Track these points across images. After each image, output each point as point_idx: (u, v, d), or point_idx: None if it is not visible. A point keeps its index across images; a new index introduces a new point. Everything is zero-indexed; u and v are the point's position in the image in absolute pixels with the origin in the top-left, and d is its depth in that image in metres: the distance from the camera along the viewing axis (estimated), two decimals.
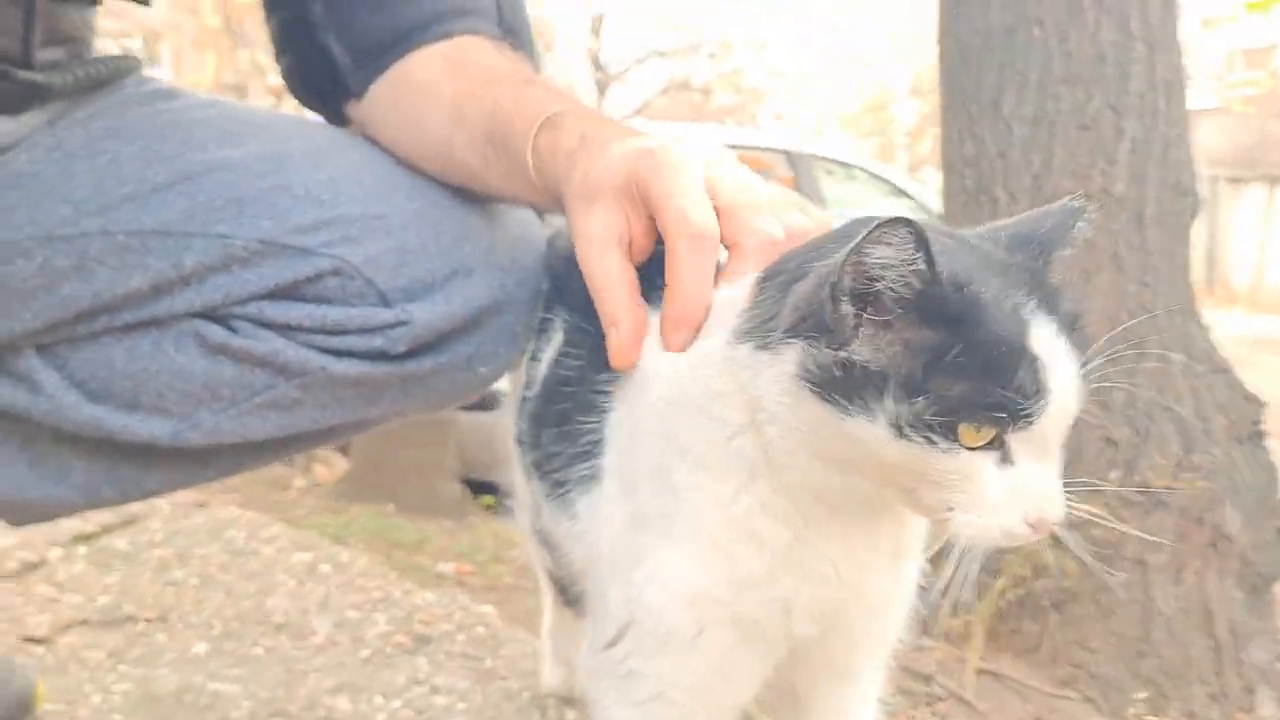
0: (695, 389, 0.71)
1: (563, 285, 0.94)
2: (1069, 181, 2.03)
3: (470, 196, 0.97)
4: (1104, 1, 2.05)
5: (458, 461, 3.24)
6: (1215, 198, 13.40)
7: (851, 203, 6.31)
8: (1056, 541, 0.74)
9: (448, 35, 0.97)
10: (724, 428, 0.69)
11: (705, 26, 18.49)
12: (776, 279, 0.68)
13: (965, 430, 0.60)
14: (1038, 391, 0.60)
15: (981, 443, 0.61)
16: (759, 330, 0.67)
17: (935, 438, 0.60)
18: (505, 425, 1.03)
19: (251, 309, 0.89)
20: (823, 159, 6.25)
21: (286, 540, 2.07)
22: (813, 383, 0.62)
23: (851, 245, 0.59)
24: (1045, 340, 0.61)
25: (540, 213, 1.04)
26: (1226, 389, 2.00)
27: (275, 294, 0.89)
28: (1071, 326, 0.63)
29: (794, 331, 0.64)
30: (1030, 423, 0.60)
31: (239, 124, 0.97)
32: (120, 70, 1.01)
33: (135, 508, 2.10)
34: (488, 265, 0.94)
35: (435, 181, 0.96)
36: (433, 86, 0.94)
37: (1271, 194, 13.76)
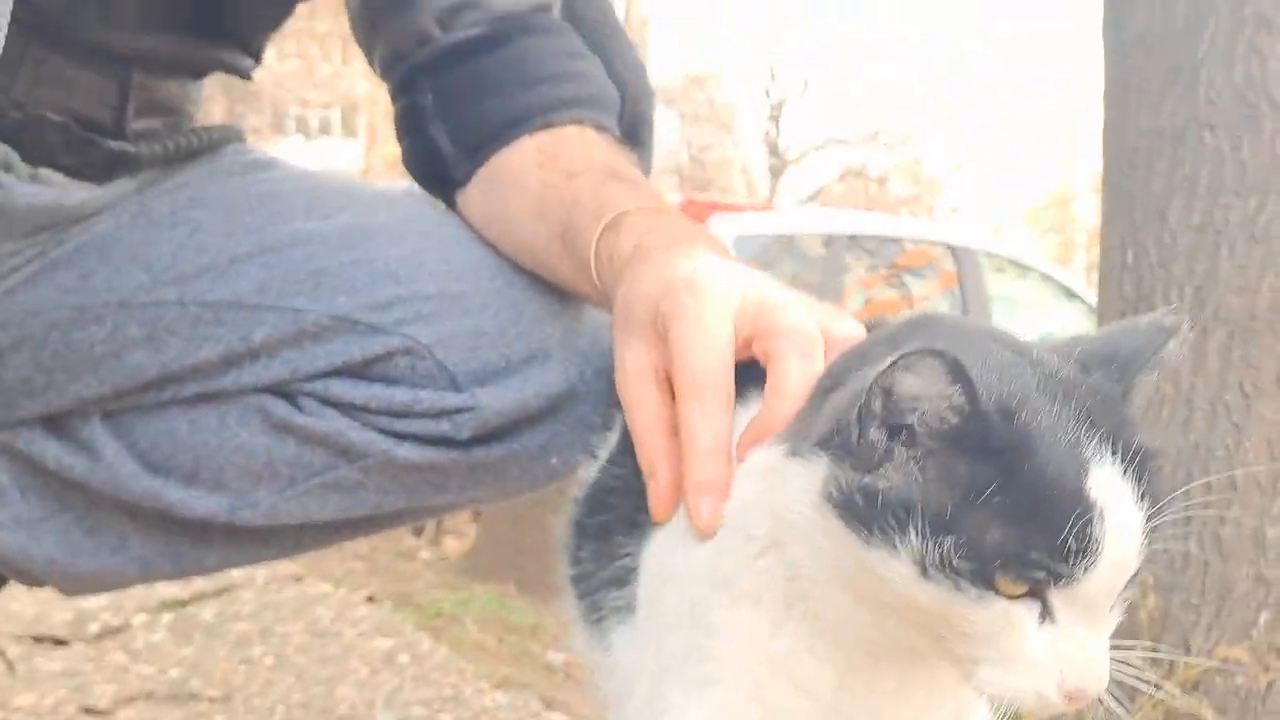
0: (732, 504, 0.64)
1: None
2: (1234, 296, 1.92)
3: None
4: None
5: None
6: None
7: (1020, 302, 6.13)
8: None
9: (549, 125, 0.95)
10: (751, 544, 0.63)
11: (886, 116, 18.42)
12: (823, 381, 0.62)
13: (1002, 581, 0.53)
14: (1086, 549, 0.52)
15: (1019, 593, 0.53)
16: (795, 434, 0.61)
17: (964, 583, 0.53)
18: None
19: (318, 386, 0.88)
20: (993, 255, 6.09)
21: (372, 623, 2.06)
22: (835, 505, 0.56)
23: (877, 372, 0.53)
24: (1105, 485, 0.53)
25: None
26: None
27: (343, 371, 0.88)
28: (1143, 468, 0.55)
29: (824, 444, 0.57)
30: (1073, 582, 0.53)
31: (331, 196, 0.97)
32: (218, 141, 1.01)
33: (232, 576, 2.11)
34: (566, 351, 0.91)
35: (522, 267, 0.94)
36: (522, 177, 0.93)
37: None
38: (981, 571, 0.52)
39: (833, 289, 5.41)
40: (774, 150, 18.43)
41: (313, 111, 18.84)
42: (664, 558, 0.69)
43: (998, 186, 22.77)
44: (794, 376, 0.64)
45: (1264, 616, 1.79)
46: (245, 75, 1.04)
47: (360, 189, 1.02)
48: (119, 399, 0.89)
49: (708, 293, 0.68)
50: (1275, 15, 1.93)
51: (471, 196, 0.97)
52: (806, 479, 0.58)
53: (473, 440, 0.89)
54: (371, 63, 1.04)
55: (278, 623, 2.01)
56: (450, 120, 0.97)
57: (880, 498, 0.54)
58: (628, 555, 0.71)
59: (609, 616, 0.73)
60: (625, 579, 0.71)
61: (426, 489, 0.92)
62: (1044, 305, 6.04)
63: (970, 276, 5.47)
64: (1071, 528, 0.51)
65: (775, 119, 18.52)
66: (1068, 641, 0.54)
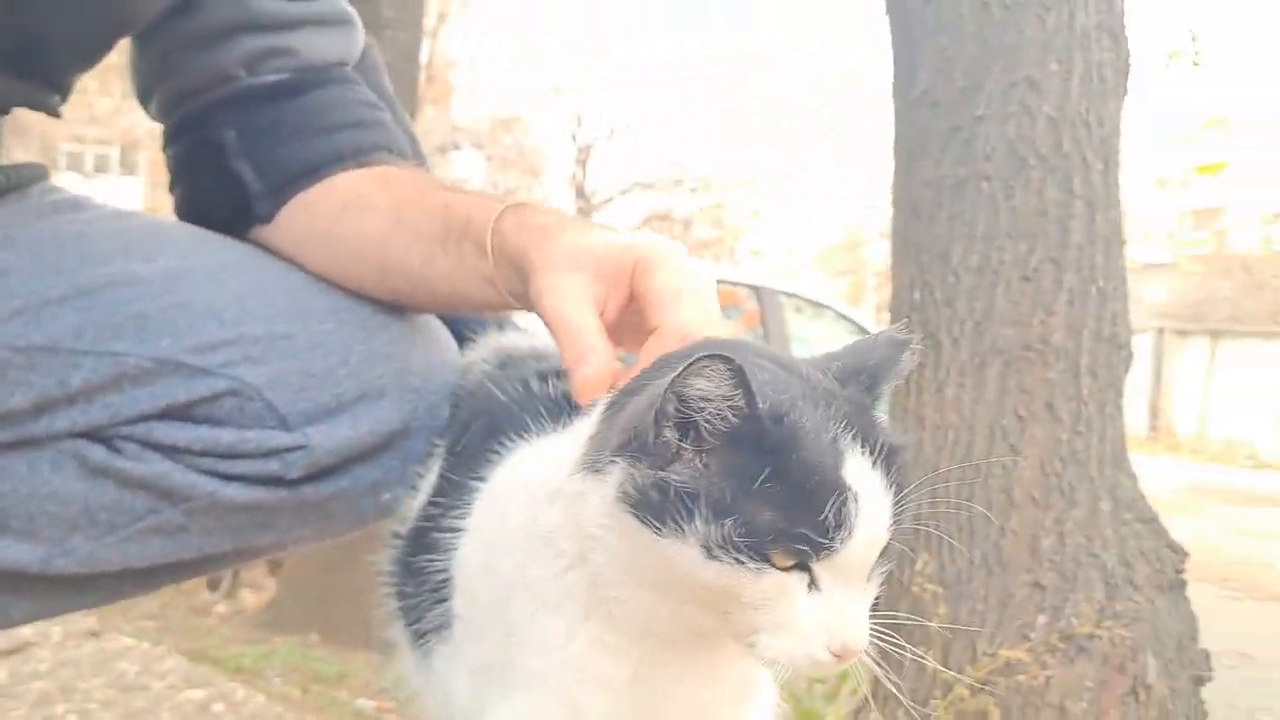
0: (541, 521, 0.70)
1: (452, 418, 0.92)
2: (1010, 330, 2.11)
3: (390, 315, 0.95)
4: (1049, 160, 2.14)
5: None
6: (1161, 349, 13.79)
7: (818, 340, 6.42)
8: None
9: (368, 164, 0.98)
10: (560, 559, 0.69)
11: (690, 162, 18.97)
12: (615, 404, 0.69)
13: (775, 555, 0.61)
14: (843, 524, 0.61)
15: (789, 565, 0.62)
16: (592, 454, 0.67)
17: (743, 558, 0.61)
18: None
19: (139, 429, 0.85)
20: (792, 296, 6.38)
21: (180, 675, 1.98)
22: (629, 504, 0.63)
23: (673, 375, 0.61)
24: (858, 474, 0.62)
25: (459, 323, 1.03)
26: (1152, 537, 2.05)
27: (166, 414, 0.86)
28: (890, 461, 0.64)
29: (620, 451, 0.64)
30: (833, 553, 0.61)
31: (148, 238, 0.95)
32: (25, 179, 0.97)
33: (24, 634, 2.00)
34: (400, 388, 0.92)
35: (354, 300, 0.94)
36: (364, 198, 0.94)
37: (1214, 347, 14.15)
38: (758, 546, 0.61)
39: None
40: (581, 194, 18.67)
41: (89, 148, 17.75)
42: (476, 561, 0.75)
43: (793, 230, 23.75)
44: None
45: (1041, 619, 1.95)
46: (53, 113, 1.01)
47: (176, 229, 0.99)
48: None
49: (685, 259, 0.79)
50: (1042, 77, 2.14)
51: (283, 229, 0.97)
52: (603, 490, 0.65)
53: (303, 479, 0.88)
54: (145, 99, 1.03)
55: (78, 679, 1.92)
56: (255, 157, 0.97)
57: (671, 490, 0.62)
58: (443, 573, 0.77)
59: (431, 637, 0.78)
60: (443, 595, 0.77)
61: (252, 529, 0.91)
62: (839, 342, 6.36)
63: (773, 316, 5.71)
64: (830, 507, 0.61)
65: (582, 163, 18.78)
66: (832, 607, 0.63)
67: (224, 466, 0.86)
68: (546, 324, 0.79)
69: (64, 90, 1.02)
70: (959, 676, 1.99)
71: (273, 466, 0.87)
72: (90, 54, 1.00)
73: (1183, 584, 2.04)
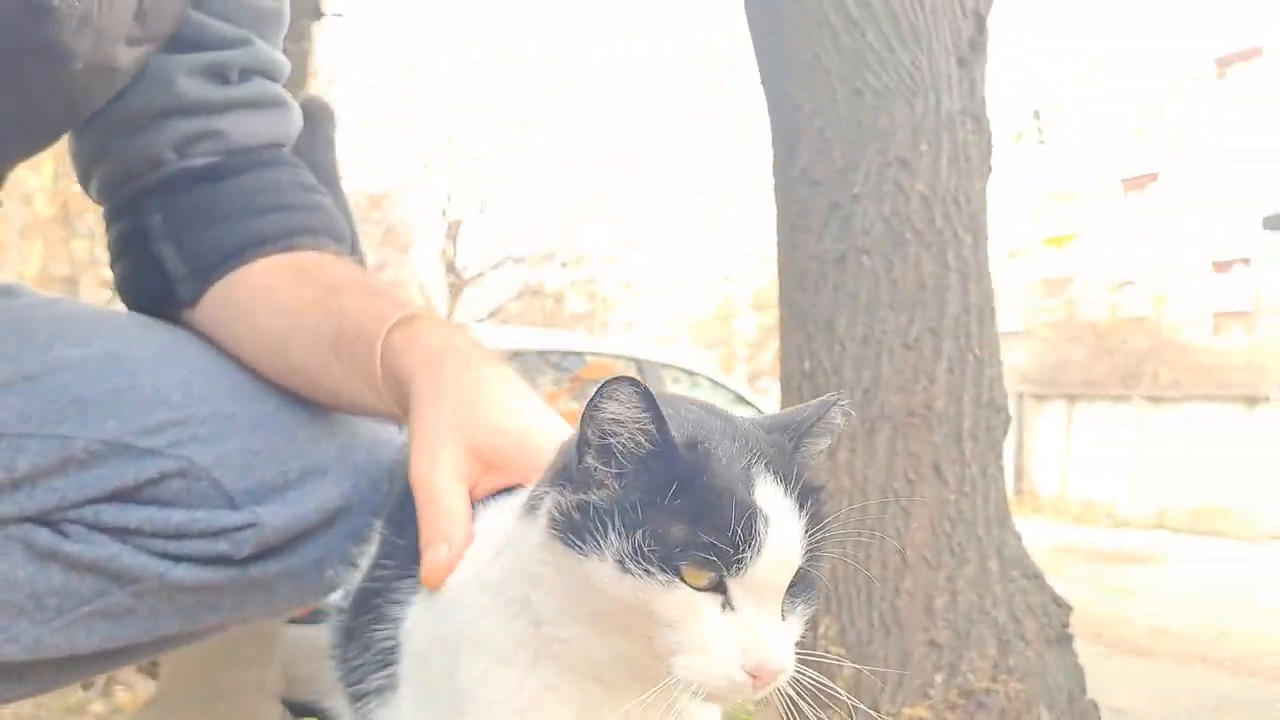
0: (489, 574, 0.72)
1: (393, 486, 0.92)
2: (895, 396, 2.20)
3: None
4: (923, 235, 2.27)
5: (280, 680, 3.08)
6: (1021, 413, 14.44)
7: None
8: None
9: (289, 249, 0.98)
10: (509, 607, 0.71)
11: (560, 236, 19.16)
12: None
13: (687, 570, 0.63)
14: (751, 541, 0.63)
15: (704, 583, 0.63)
16: (530, 498, 0.70)
17: (654, 570, 0.62)
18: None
19: (87, 512, 0.85)
20: (670, 366, 6.47)
21: None
22: (555, 528, 0.65)
23: (589, 400, 0.64)
24: (770, 500, 0.64)
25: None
26: (1038, 593, 2.14)
27: (114, 496, 0.85)
28: (806, 497, 0.66)
29: (550, 483, 0.67)
30: (743, 569, 0.63)
31: (83, 323, 0.94)
32: None
33: None
34: (342, 465, 0.93)
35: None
36: (272, 291, 0.95)
37: (1071, 410, 14.86)
38: (668, 558, 0.63)
39: None
40: (451, 268, 18.61)
41: None
42: (426, 628, 0.76)
43: (664, 303, 24.13)
44: None
45: (939, 677, 2.02)
46: None
47: (110, 315, 0.99)
48: None
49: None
50: (913, 157, 2.27)
51: (205, 316, 0.98)
52: (537, 524, 0.68)
53: (250, 558, 0.89)
54: (86, 182, 1.04)
55: None
56: (180, 241, 0.98)
57: (590, 509, 0.65)
58: (389, 638, 0.78)
59: (373, 699, 0.79)
60: (388, 660, 0.78)
61: (199, 610, 0.90)
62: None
63: (654, 386, 5.78)
64: (739, 523, 0.63)
65: (452, 238, 18.76)
66: (745, 625, 0.65)
67: (173, 547, 0.86)
68: (414, 490, 0.79)
69: (1, 179, 1.02)
70: None
71: (221, 546, 0.87)
72: (34, 146, 1.01)
73: (1069, 638, 2.13)
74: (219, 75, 0.99)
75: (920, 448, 2.17)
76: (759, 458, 0.66)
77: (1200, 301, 23.39)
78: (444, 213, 18.61)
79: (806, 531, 0.65)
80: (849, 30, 2.30)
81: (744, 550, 0.62)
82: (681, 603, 0.63)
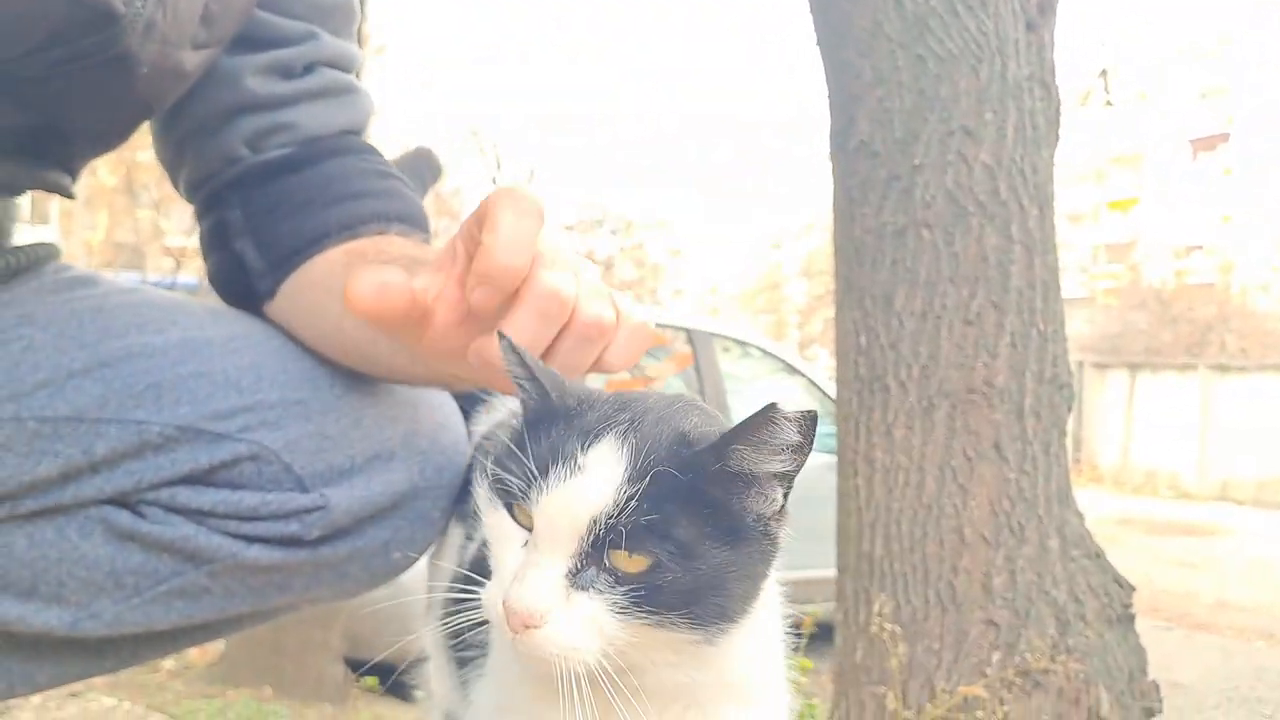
0: None
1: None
2: (955, 373, 2.15)
3: (393, 384, 0.98)
4: (987, 208, 2.21)
5: (342, 640, 3.13)
6: (1081, 382, 14.17)
7: (747, 379, 6.47)
8: None
9: (355, 237, 0.99)
10: None
11: (609, 204, 19.14)
12: None
13: (500, 495, 0.69)
14: (545, 480, 0.65)
15: (523, 519, 0.68)
16: None
17: (493, 495, 0.69)
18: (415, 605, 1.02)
19: (163, 494, 0.88)
20: (721, 336, 6.43)
21: None
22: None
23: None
24: (597, 458, 0.65)
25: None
26: (1099, 573, 2.10)
27: (189, 479, 0.88)
28: (650, 474, 0.65)
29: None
30: (528, 501, 0.66)
31: (160, 310, 0.97)
32: (40, 258, 1.01)
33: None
34: (408, 450, 0.95)
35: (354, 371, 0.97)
36: (329, 277, 0.96)
37: (1133, 379, 14.58)
38: (496, 485, 0.69)
39: None
40: None
41: None
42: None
43: (713, 270, 24.04)
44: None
45: (996, 656, 1.99)
46: (66, 194, 1.03)
47: (185, 303, 1.02)
48: None
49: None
50: (977, 126, 2.20)
51: (280, 308, 1.00)
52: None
53: (320, 539, 0.92)
54: (176, 184, 1.07)
55: None
56: (257, 235, 1.00)
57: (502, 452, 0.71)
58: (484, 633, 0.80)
59: (471, 669, 0.82)
60: (484, 648, 0.81)
61: (271, 590, 0.93)
62: (768, 380, 6.41)
63: (705, 358, 5.75)
64: (542, 464, 0.66)
65: None
66: (521, 562, 0.67)
67: (246, 528, 0.89)
68: (485, 215, 0.75)
69: (75, 172, 1.04)
70: (918, 714, 2.00)
71: (292, 528, 0.90)
72: (107, 142, 1.04)
73: (1131, 618, 2.09)
74: (285, 71, 1.01)
75: (980, 425, 2.13)
76: (619, 430, 0.67)
77: (1270, 268, 22.80)
78: (494, 180, 18.66)
79: (629, 500, 0.64)
80: None
81: (532, 485, 0.66)
82: (495, 525, 0.69)
